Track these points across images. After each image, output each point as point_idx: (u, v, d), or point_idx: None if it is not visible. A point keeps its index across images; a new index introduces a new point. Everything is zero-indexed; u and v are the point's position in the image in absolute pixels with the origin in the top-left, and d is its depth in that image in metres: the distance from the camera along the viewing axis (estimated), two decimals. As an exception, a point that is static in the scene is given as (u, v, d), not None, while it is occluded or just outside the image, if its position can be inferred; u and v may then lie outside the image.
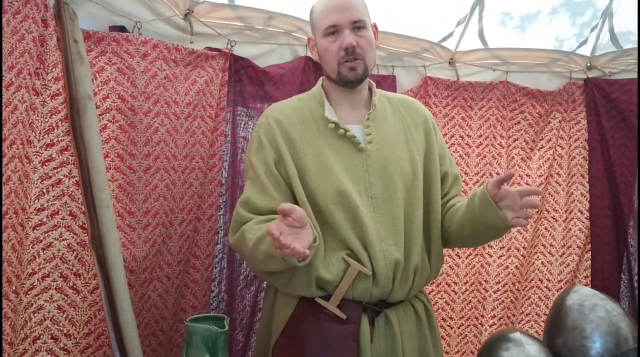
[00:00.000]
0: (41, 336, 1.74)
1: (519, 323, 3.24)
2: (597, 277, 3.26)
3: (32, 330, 1.73)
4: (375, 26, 1.91)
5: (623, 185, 3.23)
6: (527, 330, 3.15)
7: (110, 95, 1.94)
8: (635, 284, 3.28)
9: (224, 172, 2.46)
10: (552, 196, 3.27)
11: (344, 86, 1.85)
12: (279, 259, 1.58)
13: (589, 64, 3.27)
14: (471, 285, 3.15)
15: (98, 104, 1.91)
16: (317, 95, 1.90)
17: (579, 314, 1.94)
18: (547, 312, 3.18)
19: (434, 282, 3.07)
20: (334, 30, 1.79)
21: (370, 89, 1.94)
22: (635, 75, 3.25)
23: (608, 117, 3.25)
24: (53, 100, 1.76)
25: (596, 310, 1.92)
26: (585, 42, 3.33)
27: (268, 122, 1.85)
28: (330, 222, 1.75)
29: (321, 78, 1.97)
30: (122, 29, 2.06)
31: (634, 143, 3.23)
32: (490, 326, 3.16)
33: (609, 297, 1.99)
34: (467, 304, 3.15)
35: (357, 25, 1.79)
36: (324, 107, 1.85)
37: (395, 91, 2.84)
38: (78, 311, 1.81)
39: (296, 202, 1.77)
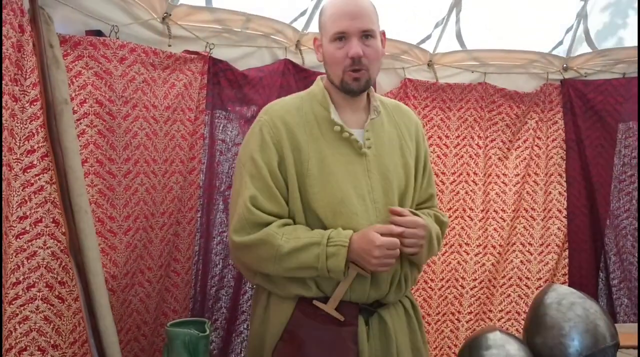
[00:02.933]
0: (28, 348, 1.70)
1: (498, 321, 3.29)
2: (575, 274, 3.31)
3: (17, 341, 1.69)
4: (383, 33, 1.89)
5: (598, 184, 3.28)
6: (507, 328, 3.21)
7: (87, 100, 1.92)
8: (612, 282, 3.32)
9: (201, 175, 2.45)
10: (529, 195, 3.31)
11: (345, 93, 1.83)
12: (321, 270, 1.69)
13: (565, 65, 3.33)
14: (447, 282, 3.20)
15: (75, 108, 1.89)
16: (319, 96, 1.87)
17: (557, 313, 1.95)
18: (526, 310, 3.22)
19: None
20: (341, 37, 1.76)
21: (368, 93, 1.93)
22: (610, 76, 3.31)
23: (584, 117, 3.30)
24: (32, 106, 1.73)
25: (574, 308, 1.94)
26: (560, 43, 3.37)
27: (274, 122, 1.80)
28: (328, 227, 1.76)
29: (319, 77, 1.95)
30: (98, 33, 2.04)
31: (610, 143, 3.28)
32: (467, 322, 3.22)
33: (587, 296, 2.01)
34: (444, 300, 3.20)
35: (366, 34, 1.77)
36: (329, 109, 1.83)
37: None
38: (64, 321, 1.78)
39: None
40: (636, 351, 2.28)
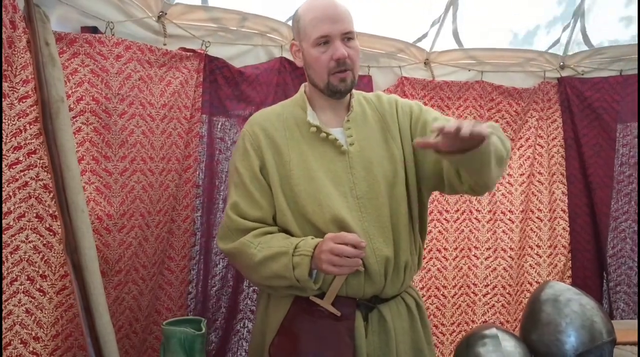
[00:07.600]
0: (12, 342, 1.71)
1: (513, 330, 3.18)
2: (579, 275, 3.29)
3: (3, 336, 1.69)
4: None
5: (595, 184, 3.26)
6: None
7: (84, 98, 1.93)
8: (609, 284, 3.30)
9: (200, 173, 2.45)
10: (535, 195, 3.29)
11: (330, 96, 1.86)
12: (291, 279, 1.69)
13: (562, 63, 3.32)
14: (459, 288, 3.14)
15: (72, 106, 1.89)
16: (299, 101, 1.92)
17: (553, 309, 1.95)
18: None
19: (423, 287, 3.08)
20: (325, 41, 1.79)
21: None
22: (607, 74, 3.30)
23: (581, 116, 3.29)
24: (21, 103, 1.73)
25: (570, 305, 1.94)
26: (557, 41, 3.37)
27: (253, 130, 1.87)
28: (316, 224, 1.78)
29: (303, 84, 1.98)
30: (94, 29, 2.04)
31: (608, 142, 3.26)
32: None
33: (583, 292, 2.01)
34: (457, 308, 3.14)
35: (348, 36, 1.81)
36: (307, 111, 1.87)
37: (372, 91, 2.84)
38: (45, 313, 1.79)
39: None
40: (634, 347, 2.28)
